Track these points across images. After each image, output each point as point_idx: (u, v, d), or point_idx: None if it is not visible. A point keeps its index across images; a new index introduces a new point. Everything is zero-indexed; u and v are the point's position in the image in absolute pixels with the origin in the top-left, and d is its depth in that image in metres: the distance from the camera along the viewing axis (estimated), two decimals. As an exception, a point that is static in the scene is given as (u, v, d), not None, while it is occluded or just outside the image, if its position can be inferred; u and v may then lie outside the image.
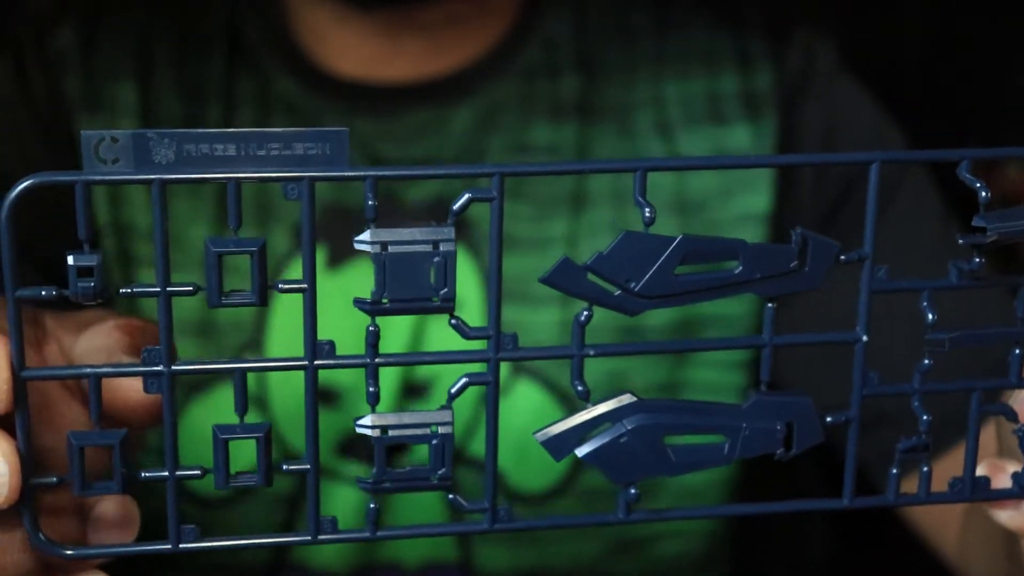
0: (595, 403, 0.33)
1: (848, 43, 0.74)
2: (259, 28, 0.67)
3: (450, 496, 0.34)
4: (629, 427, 0.33)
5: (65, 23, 0.68)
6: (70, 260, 0.30)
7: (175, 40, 0.68)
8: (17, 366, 0.31)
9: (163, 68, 0.67)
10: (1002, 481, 0.36)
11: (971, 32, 1.58)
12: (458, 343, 0.33)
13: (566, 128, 0.67)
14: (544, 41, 0.68)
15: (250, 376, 0.33)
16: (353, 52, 0.67)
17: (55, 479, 0.32)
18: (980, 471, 0.36)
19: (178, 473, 0.32)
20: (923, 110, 1.51)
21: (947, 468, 0.40)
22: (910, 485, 0.36)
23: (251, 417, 0.32)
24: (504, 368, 0.64)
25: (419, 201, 0.65)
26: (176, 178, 0.30)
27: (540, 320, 0.63)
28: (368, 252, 0.31)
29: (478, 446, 0.63)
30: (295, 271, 0.64)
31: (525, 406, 0.63)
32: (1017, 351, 0.35)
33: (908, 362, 0.35)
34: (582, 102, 0.67)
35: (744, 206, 0.66)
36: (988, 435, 0.38)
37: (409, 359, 0.33)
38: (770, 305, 0.33)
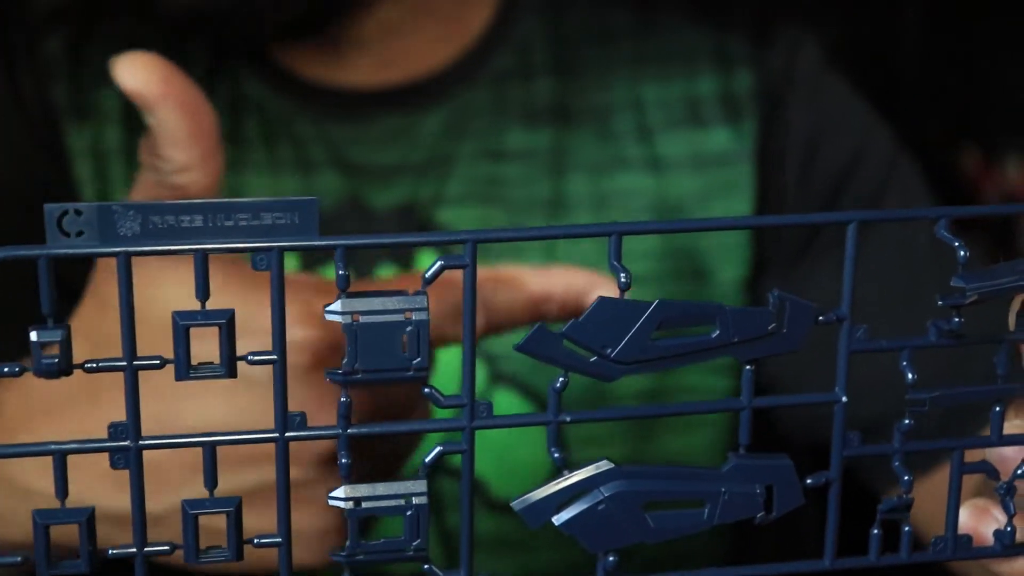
0: (572, 470, 0.33)
1: (840, 42, 0.74)
2: (235, 36, 0.67)
3: (425, 566, 0.33)
4: (606, 494, 0.33)
5: (54, 31, 0.67)
6: (33, 336, 0.29)
7: (159, 48, 0.68)
8: (-21, 444, 0.30)
9: None
10: (987, 526, 0.36)
11: (968, 30, 1.59)
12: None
13: (541, 133, 0.66)
14: (517, 45, 0.67)
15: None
16: (315, 61, 0.67)
17: (19, 558, 0.31)
18: (964, 515, 0.36)
19: (146, 549, 0.32)
20: (919, 109, 1.51)
21: (942, 480, 0.39)
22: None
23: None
24: (482, 377, 0.64)
25: (386, 208, 0.65)
26: (142, 250, 0.29)
27: None
28: (339, 322, 0.30)
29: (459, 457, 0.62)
30: None
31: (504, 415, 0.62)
32: (997, 408, 0.35)
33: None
34: (557, 106, 0.66)
35: (724, 212, 0.65)
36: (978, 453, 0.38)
37: (383, 429, 0.32)
38: (748, 368, 0.33)
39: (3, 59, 0.67)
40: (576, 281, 0.47)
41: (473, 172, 0.65)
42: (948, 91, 1.58)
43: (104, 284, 0.45)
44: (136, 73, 0.42)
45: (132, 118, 0.66)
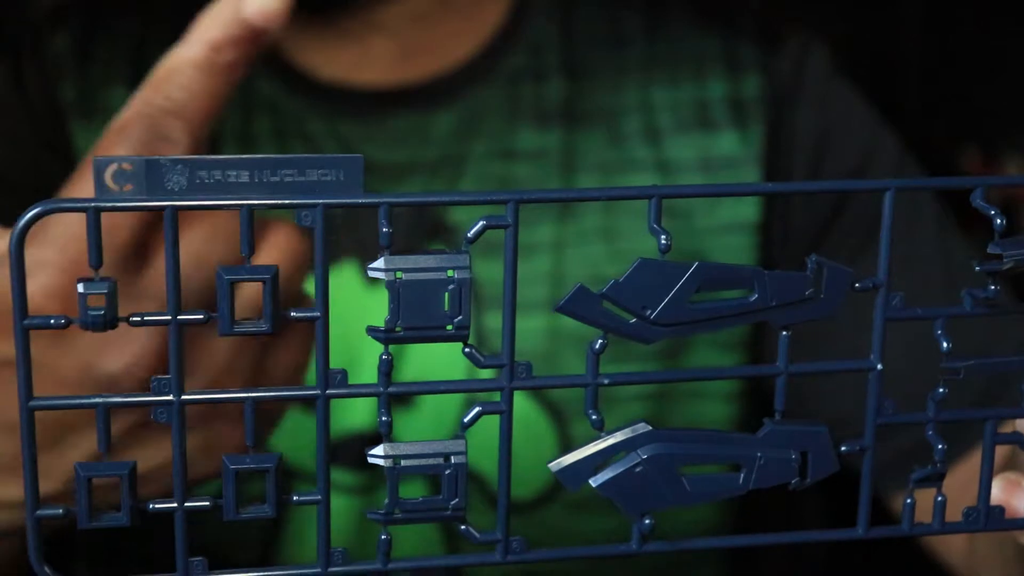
0: (609, 432, 0.33)
1: (842, 44, 0.75)
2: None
3: (462, 527, 0.33)
4: (643, 456, 0.33)
5: (61, 28, 0.68)
6: (80, 288, 0.30)
7: (167, 46, 0.68)
8: (24, 396, 0.30)
9: None
10: (1019, 499, 0.36)
11: (968, 30, 1.59)
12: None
13: (552, 133, 0.66)
14: (530, 45, 0.68)
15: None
16: (330, 58, 0.67)
17: (60, 510, 0.32)
18: (995, 489, 0.36)
19: (187, 505, 0.32)
20: (920, 111, 1.51)
21: (971, 471, 0.39)
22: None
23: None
24: (488, 373, 0.64)
25: (399, 206, 0.65)
26: (188, 204, 0.30)
27: (526, 327, 0.62)
28: (383, 280, 0.31)
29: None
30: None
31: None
32: (1031, 380, 0.35)
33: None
34: (568, 107, 0.67)
35: (732, 214, 0.65)
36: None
37: (423, 388, 0.33)
38: (784, 333, 0.33)
39: (10, 57, 0.67)
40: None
41: (485, 171, 0.66)
42: (948, 91, 1.59)
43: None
44: None
45: None
